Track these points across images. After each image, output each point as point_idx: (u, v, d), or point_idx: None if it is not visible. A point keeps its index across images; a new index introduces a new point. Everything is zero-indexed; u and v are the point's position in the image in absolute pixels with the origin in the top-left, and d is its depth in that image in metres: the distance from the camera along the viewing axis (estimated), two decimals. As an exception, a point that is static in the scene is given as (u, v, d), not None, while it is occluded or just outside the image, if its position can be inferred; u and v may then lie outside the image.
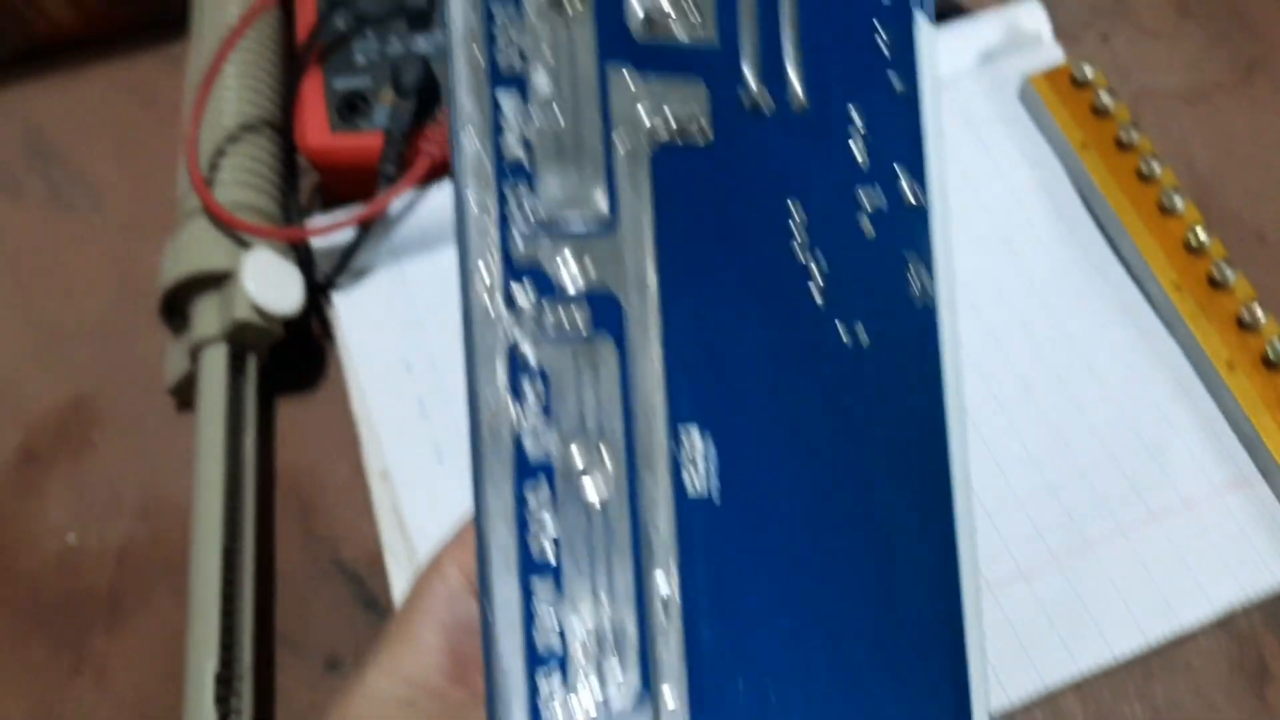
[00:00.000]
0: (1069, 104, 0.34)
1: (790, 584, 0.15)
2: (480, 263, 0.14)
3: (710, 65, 0.15)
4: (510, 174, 0.14)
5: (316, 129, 0.34)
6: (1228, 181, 0.36)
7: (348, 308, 0.33)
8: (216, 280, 0.31)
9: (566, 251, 0.14)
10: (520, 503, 0.14)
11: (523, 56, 0.14)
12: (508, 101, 0.14)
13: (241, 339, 0.31)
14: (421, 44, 0.34)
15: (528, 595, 0.14)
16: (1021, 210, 0.34)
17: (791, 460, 0.15)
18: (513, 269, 0.14)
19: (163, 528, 0.32)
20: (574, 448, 0.14)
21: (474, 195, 0.14)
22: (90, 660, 0.30)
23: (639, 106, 0.15)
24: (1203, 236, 0.32)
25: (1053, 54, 0.37)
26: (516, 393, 0.14)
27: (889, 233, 0.16)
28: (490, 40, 0.14)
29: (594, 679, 0.14)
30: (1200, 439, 0.30)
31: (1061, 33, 0.38)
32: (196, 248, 0.32)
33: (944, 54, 0.37)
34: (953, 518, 0.16)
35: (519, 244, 0.14)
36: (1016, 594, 0.29)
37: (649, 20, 0.15)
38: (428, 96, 0.33)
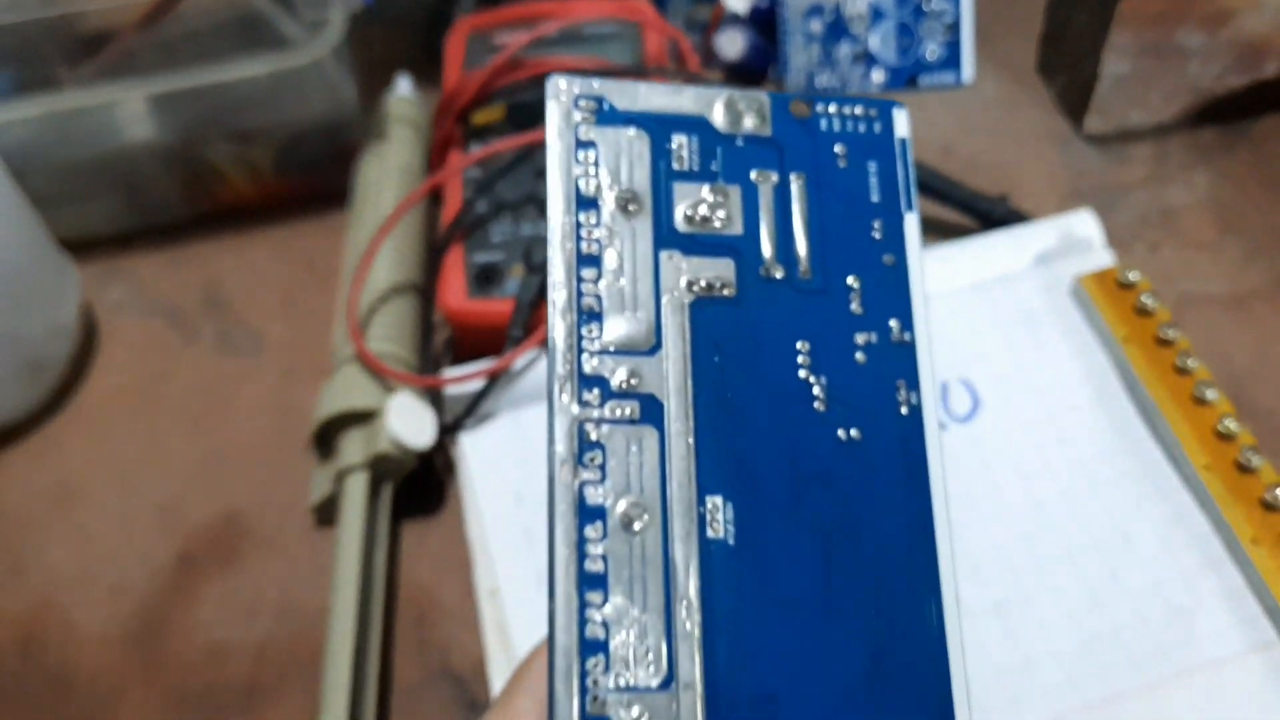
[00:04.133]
0: (1115, 303, 0.39)
1: (792, 617, 0.19)
2: (561, 374, 0.20)
3: (736, 247, 0.21)
4: (586, 318, 0.20)
5: (456, 295, 0.39)
6: (1261, 380, 0.40)
7: (471, 446, 0.38)
8: (363, 417, 0.37)
9: (623, 369, 0.20)
10: (581, 535, 0.19)
11: (599, 244, 0.21)
12: (588, 273, 0.20)
13: (380, 468, 0.36)
14: (549, 227, 0.40)
15: (583, 602, 0.19)
16: (1070, 395, 0.38)
17: (796, 520, 0.20)
18: (584, 379, 0.20)
19: (298, 629, 0.36)
20: (622, 501, 0.19)
21: (561, 335, 0.20)
22: (225, 745, 0.35)
23: (682, 276, 0.21)
24: (1232, 426, 0.35)
25: (1103, 258, 0.41)
26: (581, 457, 0.19)
27: (880, 362, 0.21)
28: (577, 236, 0.21)
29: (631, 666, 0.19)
30: (1225, 607, 0.33)
31: (1114, 241, 0.42)
32: (348, 389, 0.37)
33: (1004, 255, 0.42)
34: (938, 584, 0.20)
35: (590, 363, 0.20)
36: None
37: (691, 219, 0.21)
38: (552, 271, 0.38)
